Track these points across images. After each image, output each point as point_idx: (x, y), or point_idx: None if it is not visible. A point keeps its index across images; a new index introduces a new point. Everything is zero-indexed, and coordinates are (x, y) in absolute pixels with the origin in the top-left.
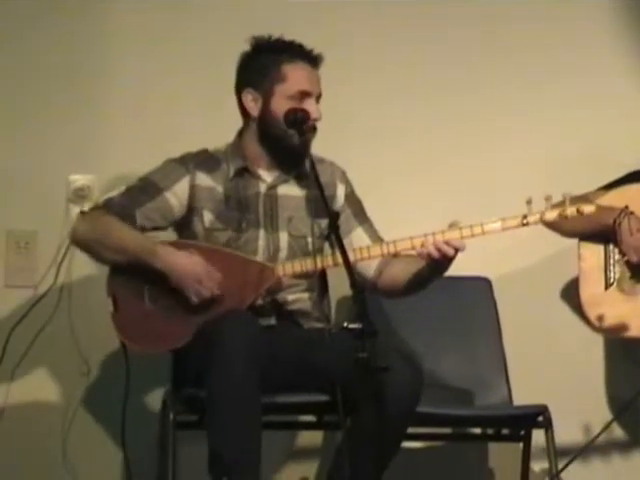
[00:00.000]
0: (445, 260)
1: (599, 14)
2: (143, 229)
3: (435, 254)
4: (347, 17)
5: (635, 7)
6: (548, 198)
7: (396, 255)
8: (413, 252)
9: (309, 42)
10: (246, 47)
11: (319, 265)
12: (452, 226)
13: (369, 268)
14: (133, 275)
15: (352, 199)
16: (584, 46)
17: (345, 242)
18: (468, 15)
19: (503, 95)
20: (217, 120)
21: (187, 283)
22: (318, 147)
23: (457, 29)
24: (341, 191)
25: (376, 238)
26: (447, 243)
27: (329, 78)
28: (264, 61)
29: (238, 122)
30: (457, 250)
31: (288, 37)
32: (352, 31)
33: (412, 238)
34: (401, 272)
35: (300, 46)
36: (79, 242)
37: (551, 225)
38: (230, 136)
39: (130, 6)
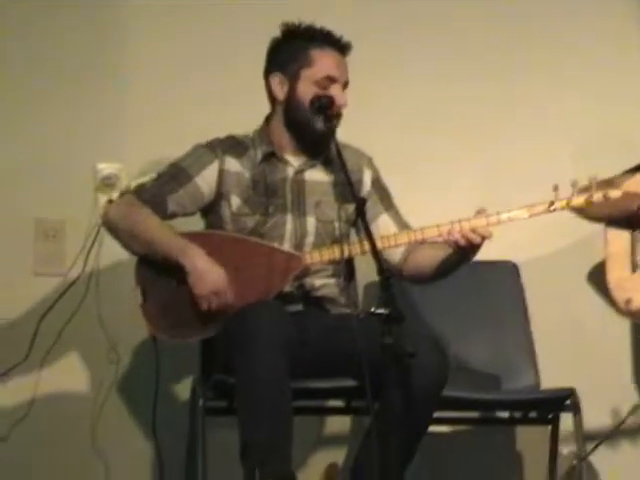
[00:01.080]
0: (472, 248)
1: (620, 6)
2: (174, 215)
3: (462, 242)
4: (375, 8)
5: None
6: (574, 184)
7: (422, 242)
8: (439, 239)
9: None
10: (271, 35)
11: (347, 252)
12: (479, 213)
13: (395, 254)
14: (161, 267)
15: (378, 185)
16: (604, 34)
17: (372, 227)
18: (492, 7)
19: (527, 82)
20: (242, 106)
21: (202, 289)
22: (344, 133)
23: (481, 21)
24: (367, 177)
25: (402, 224)
26: (474, 231)
27: (355, 67)
28: (292, 46)
29: (263, 109)
30: (484, 238)
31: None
32: (377, 20)
33: (439, 225)
34: (427, 259)
35: (329, 33)
36: (110, 227)
37: (578, 210)
38: (255, 122)
39: None
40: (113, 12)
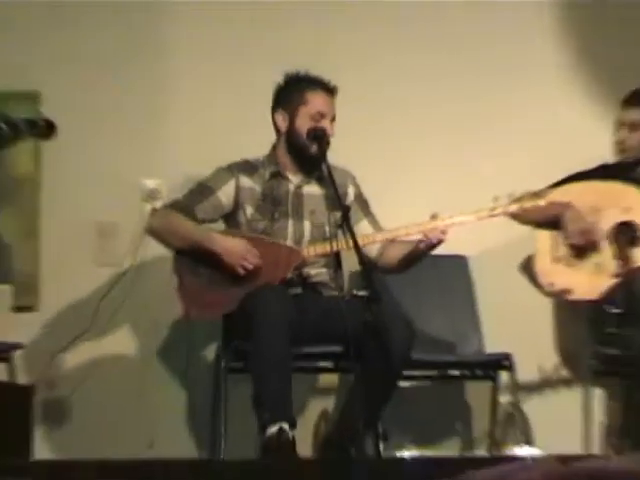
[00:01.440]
0: (431, 246)
1: (552, 55)
2: (202, 221)
3: (434, 240)
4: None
5: (580, 48)
6: (511, 195)
7: (393, 240)
8: (405, 238)
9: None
10: (281, 78)
11: (335, 248)
12: (433, 217)
13: (372, 251)
14: (192, 258)
15: (360, 198)
16: (544, 83)
17: (354, 230)
18: (446, 38)
19: (482, 111)
20: (262, 133)
21: (235, 259)
22: (332, 155)
23: (445, 48)
24: (351, 191)
25: (378, 227)
26: (443, 232)
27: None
28: (292, 89)
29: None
30: (440, 240)
31: (313, 70)
32: (349, 50)
33: (406, 227)
34: (396, 254)
35: (320, 79)
36: (154, 233)
37: (513, 216)
38: (268, 146)
39: (193, 20)
40: (158, 44)
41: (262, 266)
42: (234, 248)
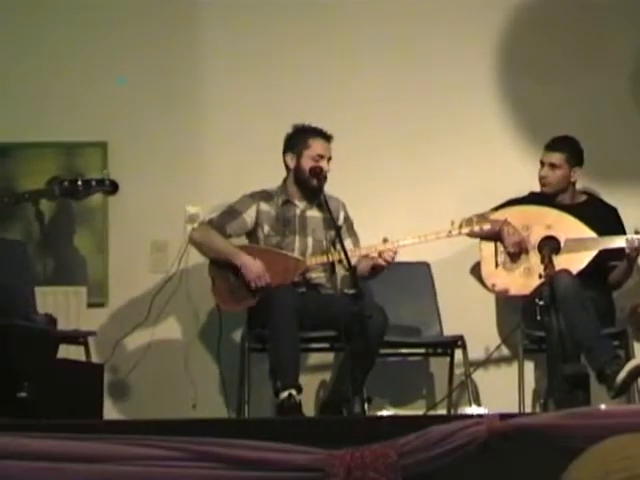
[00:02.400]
0: (389, 261)
1: (494, 104)
2: (231, 236)
3: (388, 259)
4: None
5: (517, 90)
6: (464, 218)
7: (366, 255)
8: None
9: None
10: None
11: (331, 258)
12: (384, 241)
13: (353, 261)
14: (223, 266)
15: (348, 221)
16: (486, 125)
17: (344, 244)
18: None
19: (434, 149)
20: (278, 167)
21: (251, 276)
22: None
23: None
24: (342, 215)
25: (357, 244)
26: (395, 252)
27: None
28: (298, 137)
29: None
30: (388, 262)
31: (315, 123)
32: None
33: (375, 246)
34: (365, 266)
35: (319, 129)
36: (195, 244)
37: (466, 233)
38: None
39: (227, 51)
40: (197, 90)
41: (272, 282)
42: (252, 267)
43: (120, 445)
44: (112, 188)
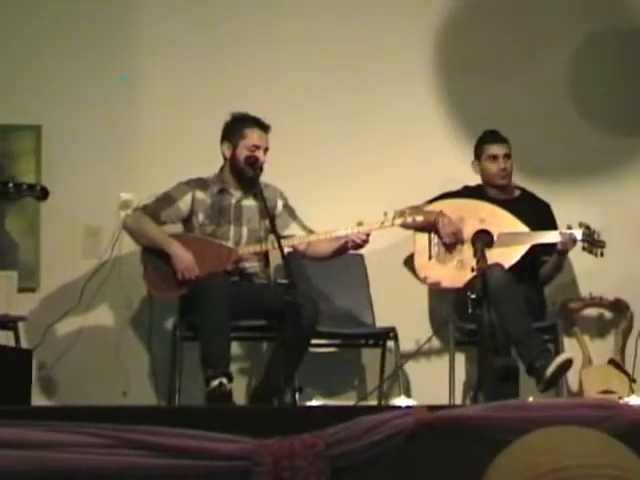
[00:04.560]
0: (359, 244)
1: (430, 98)
2: (165, 223)
3: (358, 241)
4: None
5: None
6: (398, 210)
7: (310, 240)
8: (326, 237)
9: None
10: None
11: (265, 248)
12: (359, 224)
13: (301, 245)
14: (155, 253)
15: (287, 207)
16: (423, 121)
17: (285, 232)
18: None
19: (373, 140)
20: (214, 155)
21: (180, 267)
22: (266, 174)
23: (337, 95)
24: (280, 203)
25: (304, 227)
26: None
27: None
28: (235, 126)
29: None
30: (358, 245)
31: (251, 112)
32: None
33: (328, 232)
34: (326, 248)
35: (256, 118)
36: (127, 230)
37: (399, 225)
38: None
39: (164, 35)
40: (129, 63)
41: (208, 262)
42: (183, 259)
43: (48, 432)
44: (42, 194)
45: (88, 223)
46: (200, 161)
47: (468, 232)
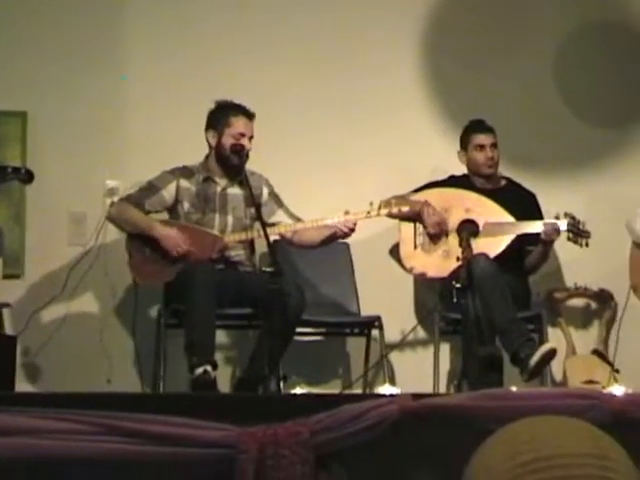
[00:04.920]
0: (347, 233)
1: (417, 89)
2: (149, 212)
3: (345, 230)
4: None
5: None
6: (384, 200)
7: (298, 228)
8: (312, 225)
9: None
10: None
11: (250, 236)
12: (346, 213)
13: (287, 233)
14: (140, 240)
15: (273, 194)
16: (410, 110)
17: (271, 219)
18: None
19: (359, 129)
20: (200, 144)
21: (170, 245)
22: (251, 163)
23: (325, 85)
24: (265, 191)
25: (290, 214)
26: (354, 224)
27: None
28: (220, 114)
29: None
30: (352, 228)
31: (236, 100)
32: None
33: (315, 220)
34: (315, 236)
35: (241, 105)
36: (112, 220)
37: (385, 215)
38: (203, 156)
39: (151, 23)
40: (115, 50)
41: (192, 250)
42: (170, 236)
43: (32, 418)
44: (27, 177)
45: (73, 210)
46: (186, 149)
47: (454, 222)
